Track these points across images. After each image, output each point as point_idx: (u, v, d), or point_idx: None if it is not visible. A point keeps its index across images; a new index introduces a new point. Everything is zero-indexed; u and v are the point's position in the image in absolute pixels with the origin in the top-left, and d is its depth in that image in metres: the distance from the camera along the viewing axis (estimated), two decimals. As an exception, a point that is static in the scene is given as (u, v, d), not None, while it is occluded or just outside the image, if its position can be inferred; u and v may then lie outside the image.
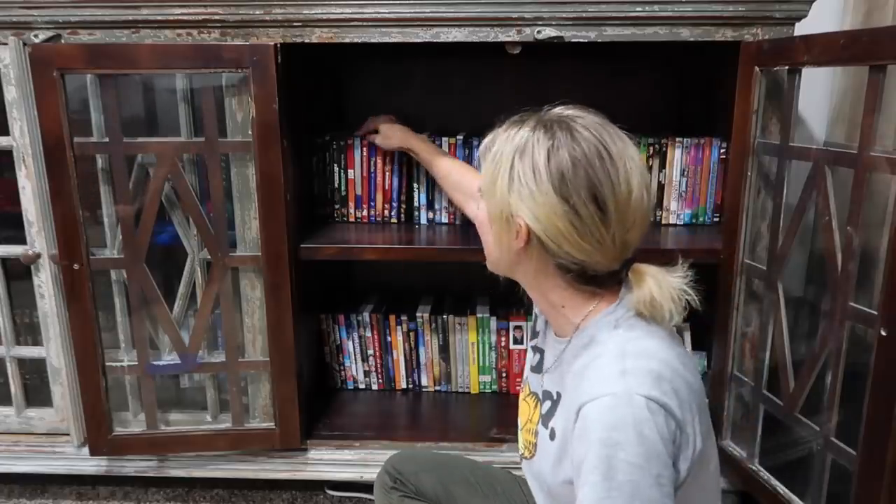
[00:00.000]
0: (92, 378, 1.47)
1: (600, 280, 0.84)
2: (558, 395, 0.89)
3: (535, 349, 1.01)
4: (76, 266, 1.40)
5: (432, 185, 1.66)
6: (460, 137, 1.63)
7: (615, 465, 0.72)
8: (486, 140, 0.88)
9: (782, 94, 1.28)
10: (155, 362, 1.52)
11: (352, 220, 1.68)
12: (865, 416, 1.04)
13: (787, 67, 1.22)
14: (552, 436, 0.87)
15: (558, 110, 0.86)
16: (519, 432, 1.03)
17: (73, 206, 1.37)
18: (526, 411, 0.99)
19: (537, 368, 0.99)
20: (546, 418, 0.90)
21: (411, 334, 1.78)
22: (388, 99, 1.85)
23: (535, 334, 1.05)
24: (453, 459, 1.26)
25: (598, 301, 0.85)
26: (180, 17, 1.34)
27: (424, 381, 1.82)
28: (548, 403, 0.92)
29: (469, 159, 1.63)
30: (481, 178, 0.88)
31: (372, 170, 1.65)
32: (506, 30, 1.33)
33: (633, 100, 1.75)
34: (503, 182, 0.82)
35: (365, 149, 1.63)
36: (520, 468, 1.45)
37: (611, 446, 0.73)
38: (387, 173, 1.65)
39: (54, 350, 1.54)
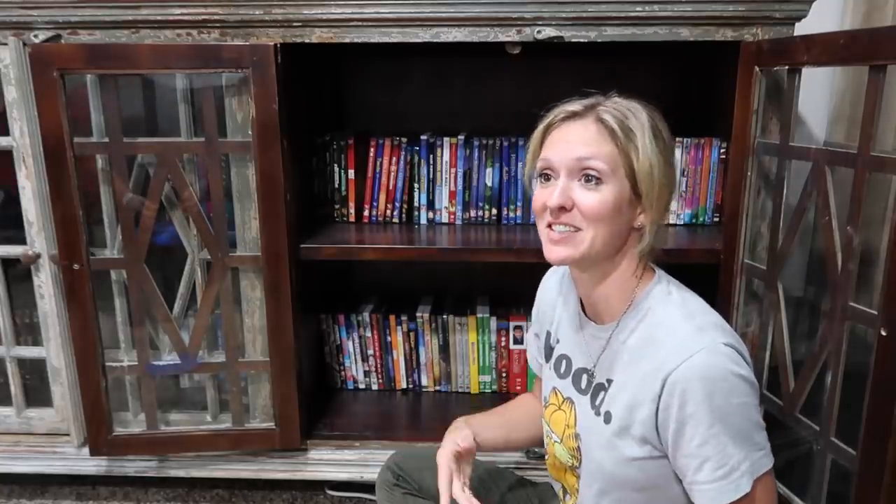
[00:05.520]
0: (92, 378, 1.47)
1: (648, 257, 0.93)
2: (609, 381, 0.91)
3: (560, 358, 1.03)
4: (76, 266, 1.40)
5: (432, 185, 1.66)
6: (461, 137, 1.63)
7: (730, 410, 0.80)
8: (605, 116, 0.85)
9: (782, 94, 1.28)
10: (155, 362, 1.52)
11: (352, 220, 1.68)
12: (865, 416, 1.04)
13: (787, 67, 1.22)
14: (607, 419, 0.90)
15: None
16: (558, 445, 1.03)
17: (73, 206, 1.37)
18: (562, 419, 1.00)
19: (565, 374, 1.01)
20: (596, 409, 0.93)
21: (411, 334, 1.78)
22: (388, 99, 1.85)
23: (550, 349, 1.07)
24: None
25: (644, 278, 0.92)
26: (180, 17, 1.34)
27: (424, 381, 1.82)
28: (590, 397, 0.94)
29: (469, 159, 1.63)
30: (601, 160, 0.84)
31: (377, 170, 1.65)
32: (506, 30, 1.33)
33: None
34: (647, 150, 0.84)
35: (372, 149, 1.64)
36: (521, 468, 1.45)
37: (721, 396, 0.79)
38: (391, 173, 1.65)
39: (54, 350, 1.54)
